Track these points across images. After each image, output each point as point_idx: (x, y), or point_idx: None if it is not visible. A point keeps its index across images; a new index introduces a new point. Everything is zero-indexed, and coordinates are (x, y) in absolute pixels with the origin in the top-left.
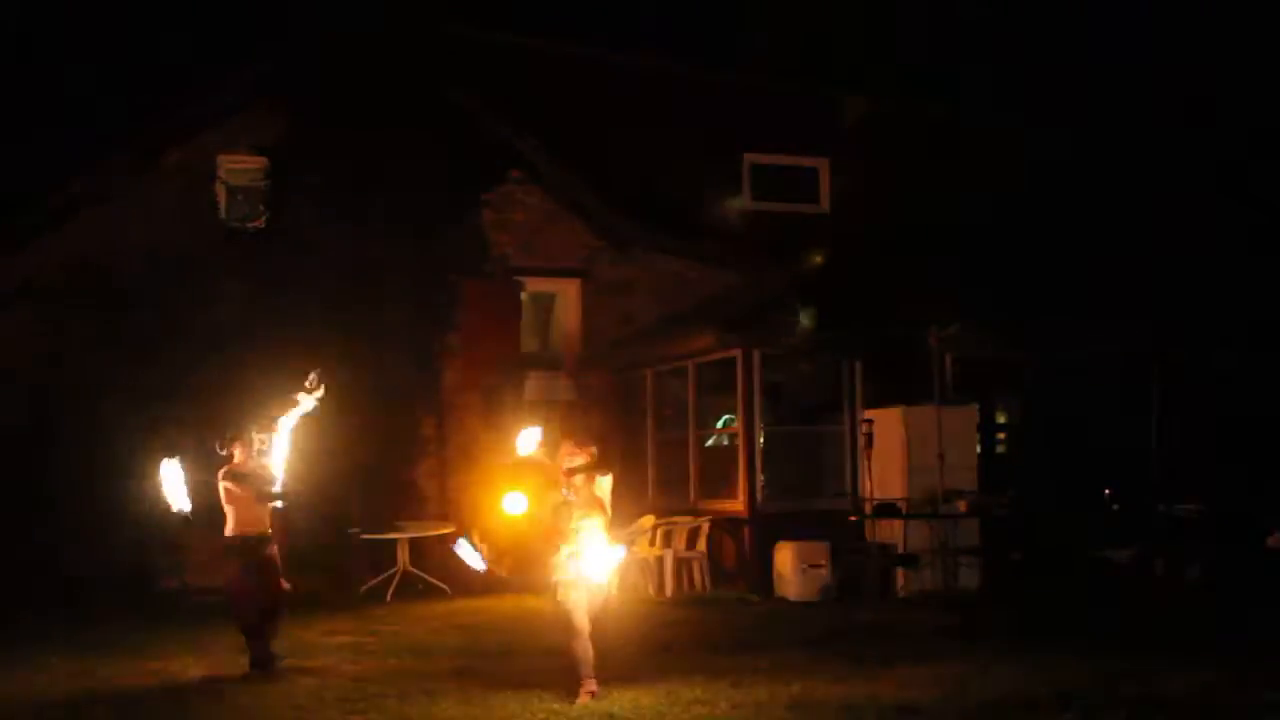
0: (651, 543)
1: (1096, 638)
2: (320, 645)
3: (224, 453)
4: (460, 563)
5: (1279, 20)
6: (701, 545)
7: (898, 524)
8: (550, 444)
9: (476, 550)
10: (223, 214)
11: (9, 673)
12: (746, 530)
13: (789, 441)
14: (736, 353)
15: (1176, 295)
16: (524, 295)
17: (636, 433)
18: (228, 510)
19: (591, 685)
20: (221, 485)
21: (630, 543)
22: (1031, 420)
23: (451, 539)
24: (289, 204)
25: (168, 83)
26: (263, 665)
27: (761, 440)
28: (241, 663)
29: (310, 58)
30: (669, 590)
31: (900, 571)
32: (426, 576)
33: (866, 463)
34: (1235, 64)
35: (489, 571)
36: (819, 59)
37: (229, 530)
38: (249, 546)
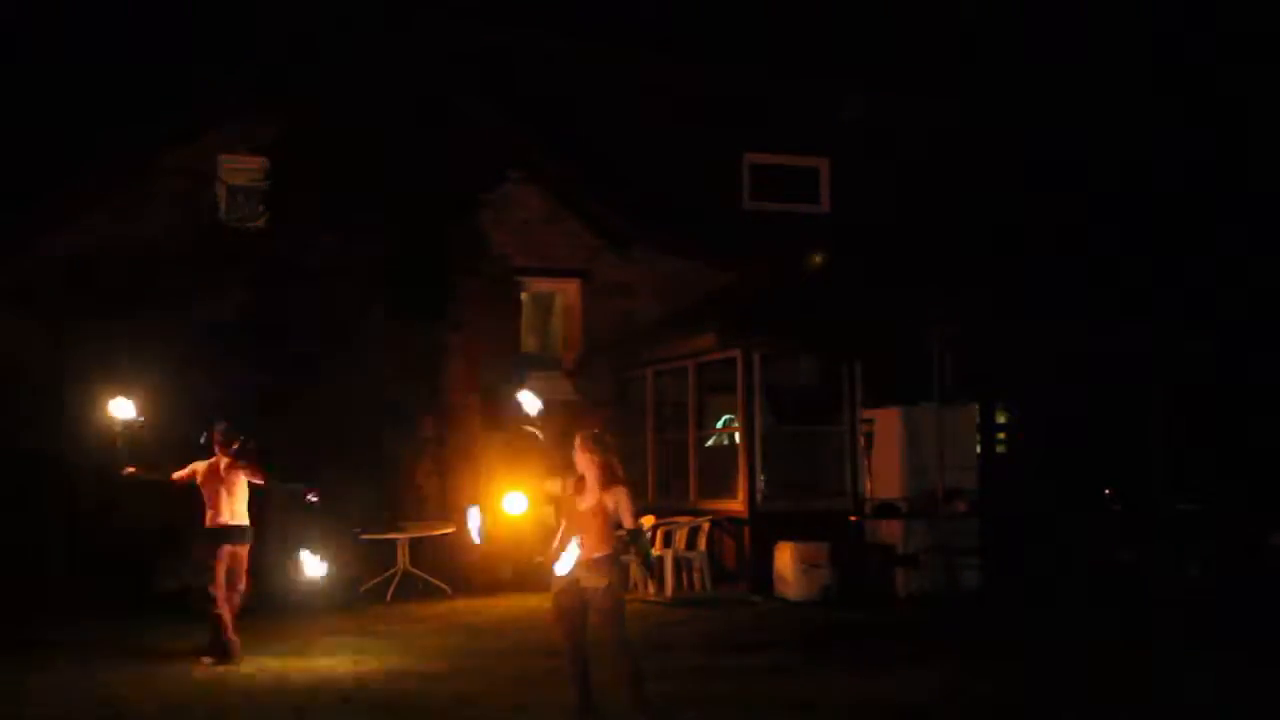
0: (651, 543)
1: (1096, 639)
2: (320, 645)
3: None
4: (459, 562)
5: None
6: (701, 545)
7: (898, 524)
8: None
9: (480, 526)
10: (223, 214)
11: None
12: (746, 530)
13: (789, 441)
14: (736, 353)
15: (1176, 295)
16: (524, 295)
17: (636, 433)
18: (228, 497)
19: None
20: (239, 473)
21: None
22: (1031, 420)
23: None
24: (289, 204)
25: (168, 83)
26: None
27: (761, 440)
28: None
29: (310, 57)
30: (669, 590)
31: (900, 571)
32: (426, 576)
33: (866, 463)
34: (1234, 61)
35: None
36: (819, 58)
37: (236, 519)
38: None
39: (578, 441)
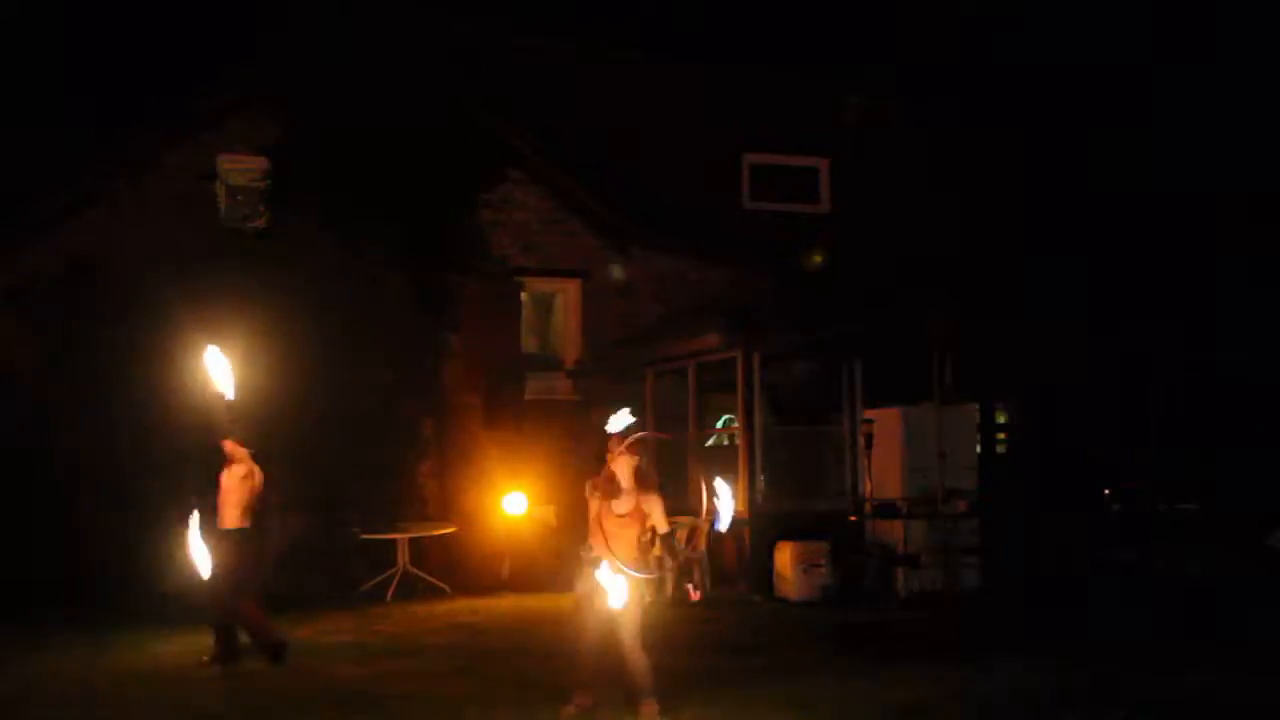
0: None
1: (1097, 639)
2: (320, 645)
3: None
4: (459, 562)
5: (1276, 17)
6: (701, 545)
7: (898, 524)
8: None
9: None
10: (223, 214)
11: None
12: (746, 530)
13: (789, 441)
14: (736, 353)
15: (1176, 295)
16: (524, 295)
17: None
18: (239, 499)
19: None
20: (251, 474)
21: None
22: (1031, 420)
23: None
24: (289, 204)
25: (167, 83)
26: (234, 657)
27: (761, 440)
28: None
29: (310, 58)
30: (669, 590)
31: (900, 571)
32: (426, 576)
33: (866, 463)
34: (1235, 61)
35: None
36: (819, 58)
37: (242, 521)
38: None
39: (618, 444)
